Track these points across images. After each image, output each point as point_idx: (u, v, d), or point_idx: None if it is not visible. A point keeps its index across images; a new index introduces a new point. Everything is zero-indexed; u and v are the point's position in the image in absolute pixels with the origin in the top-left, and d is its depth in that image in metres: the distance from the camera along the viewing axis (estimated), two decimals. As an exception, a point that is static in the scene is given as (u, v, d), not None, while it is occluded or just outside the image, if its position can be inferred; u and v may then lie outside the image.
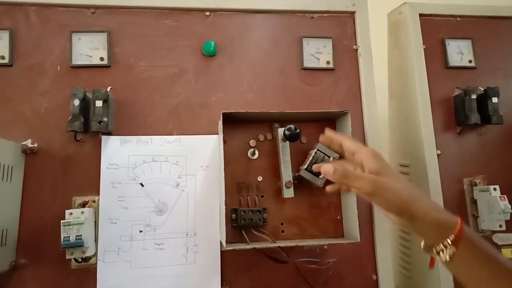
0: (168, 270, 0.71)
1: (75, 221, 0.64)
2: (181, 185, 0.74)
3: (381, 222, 0.78)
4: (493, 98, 0.82)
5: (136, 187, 0.72)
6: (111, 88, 0.74)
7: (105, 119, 0.69)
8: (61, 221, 0.63)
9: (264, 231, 0.72)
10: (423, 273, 0.86)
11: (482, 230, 0.80)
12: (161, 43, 0.79)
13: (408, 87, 0.88)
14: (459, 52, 0.89)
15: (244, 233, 0.71)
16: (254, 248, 0.70)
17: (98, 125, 0.68)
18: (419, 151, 0.84)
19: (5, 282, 0.66)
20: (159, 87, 0.78)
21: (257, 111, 0.71)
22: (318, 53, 0.84)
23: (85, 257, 0.68)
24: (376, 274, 0.77)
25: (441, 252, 0.48)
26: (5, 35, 0.74)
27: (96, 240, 0.69)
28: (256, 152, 0.76)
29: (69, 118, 0.68)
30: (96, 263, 0.69)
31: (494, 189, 0.77)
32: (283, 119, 0.75)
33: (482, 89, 0.83)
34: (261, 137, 0.76)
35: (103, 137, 0.73)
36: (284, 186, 0.71)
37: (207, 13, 0.82)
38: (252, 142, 0.76)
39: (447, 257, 0.47)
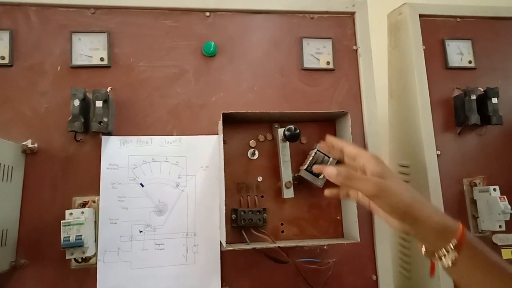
0: (168, 270, 0.71)
1: (75, 221, 0.64)
2: (181, 185, 0.74)
3: (381, 223, 0.78)
4: (492, 99, 0.82)
5: (136, 187, 0.73)
6: (111, 89, 0.74)
7: (105, 120, 0.69)
8: (61, 221, 0.63)
9: (264, 231, 0.72)
10: (423, 274, 0.86)
11: (481, 230, 0.80)
12: (161, 44, 0.79)
13: (408, 88, 0.89)
14: (459, 53, 0.89)
15: (244, 233, 0.71)
16: (254, 248, 0.70)
17: (98, 126, 0.69)
18: (419, 152, 0.84)
19: (5, 282, 0.67)
20: (159, 87, 0.78)
21: (257, 111, 0.71)
22: (318, 53, 0.84)
23: (85, 257, 0.68)
24: (376, 275, 0.77)
25: (443, 257, 0.48)
26: (5, 36, 0.74)
27: (96, 240, 0.69)
28: (256, 152, 0.76)
29: (69, 118, 0.68)
30: (96, 263, 0.69)
31: (494, 189, 0.77)
32: (283, 120, 0.75)
33: (482, 90, 0.83)
34: (261, 138, 0.76)
35: (103, 138, 0.73)
36: (284, 186, 0.71)
37: (207, 14, 0.82)
38: (252, 143, 0.76)
39: (450, 263, 0.47)
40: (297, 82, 0.82)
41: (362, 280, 0.76)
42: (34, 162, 0.71)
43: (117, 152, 0.73)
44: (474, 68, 0.89)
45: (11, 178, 0.67)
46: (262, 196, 0.75)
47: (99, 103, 0.69)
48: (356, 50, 0.85)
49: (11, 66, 0.74)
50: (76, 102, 0.68)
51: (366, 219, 0.78)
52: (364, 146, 0.81)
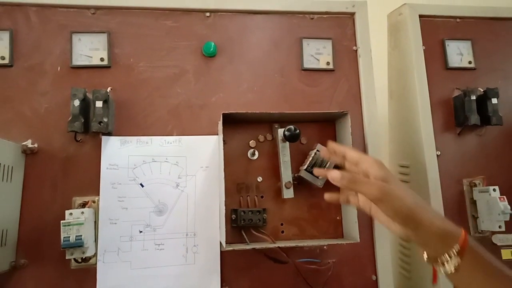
0: (168, 270, 0.71)
1: (75, 221, 0.64)
2: (181, 186, 0.74)
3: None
4: (492, 99, 0.82)
5: (136, 187, 0.73)
6: (111, 89, 0.74)
7: (105, 120, 0.69)
8: (61, 221, 0.64)
9: (264, 232, 0.72)
10: (423, 274, 0.86)
11: (481, 231, 0.80)
12: (161, 44, 0.79)
13: (408, 88, 0.89)
14: (459, 53, 0.89)
15: (244, 234, 0.71)
16: (254, 249, 0.70)
17: (98, 126, 0.69)
18: (419, 152, 0.84)
19: (5, 282, 0.67)
20: (159, 87, 0.78)
21: (257, 111, 0.71)
22: (318, 54, 0.84)
23: (85, 257, 0.68)
24: (376, 275, 0.77)
25: (445, 263, 0.47)
26: (5, 36, 0.74)
27: (96, 240, 0.69)
28: (256, 152, 0.76)
29: (69, 118, 0.68)
30: (96, 263, 0.69)
31: (494, 190, 0.77)
32: (283, 120, 0.75)
33: (482, 90, 0.83)
34: (261, 138, 0.76)
35: (103, 138, 0.73)
36: (284, 186, 0.71)
37: (207, 14, 0.82)
38: (252, 143, 0.76)
39: (452, 269, 0.47)
40: (297, 83, 0.82)
41: (362, 280, 0.76)
42: (34, 162, 0.71)
43: (117, 152, 0.73)
44: (474, 69, 0.89)
45: (11, 178, 0.67)
46: (262, 196, 0.75)
47: (99, 103, 0.69)
48: (356, 50, 0.85)
49: (11, 66, 0.74)
50: (76, 102, 0.68)
51: (366, 220, 0.77)
52: (364, 146, 0.81)
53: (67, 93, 0.71)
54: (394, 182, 0.51)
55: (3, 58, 0.74)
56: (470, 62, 0.89)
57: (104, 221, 0.70)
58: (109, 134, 0.73)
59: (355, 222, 0.69)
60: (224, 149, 0.69)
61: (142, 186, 0.73)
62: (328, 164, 0.72)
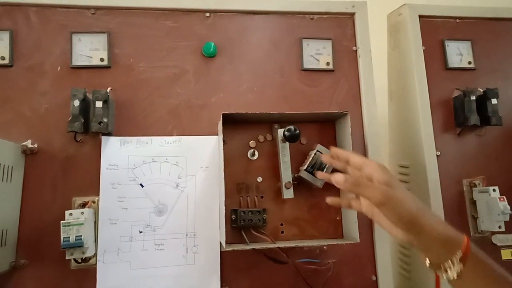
0: (168, 270, 0.71)
1: (75, 221, 0.64)
2: (181, 186, 0.74)
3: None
4: (492, 100, 0.82)
5: (136, 187, 0.73)
6: (111, 89, 0.74)
7: (105, 120, 0.69)
8: (61, 221, 0.64)
9: (264, 232, 0.72)
10: (423, 274, 0.86)
11: (481, 231, 0.80)
12: (161, 44, 0.80)
13: (408, 88, 0.89)
14: (459, 54, 0.90)
15: (244, 234, 0.71)
16: (253, 249, 0.70)
17: (98, 126, 0.69)
18: (419, 152, 0.84)
19: (5, 282, 0.67)
20: (159, 87, 0.78)
21: (257, 112, 0.71)
22: (318, 54, 0.84)
23: (85, 258, 0.68)
24: (376, 275, 0.77)
25: (448, 270, 0.47)
26: (5, 36, 0.74)
27: (96, 240, 0.69)
28: (256, 153, 0.76)
29: (69, 118, 0.68)
30: (95, 264, 0.69)
31: (494, 190, 0.77)
32: (282, 120, 0.75)
33: (482, 90, 0.83)
34: (261, 138, 0.76)
35: (103, 138, 0.73)
36: (283, 187, 0.71)
37: (207, 14, 0.82)
38: (252, 143, 0.76)
39: (455, 275, 0.47)
40: (297, 83, 0.82)
41: (361, 281, 0.76)
42: (34, 162, 0.71)
43: (117, 153, 0.73)
44: (474, 69, 0.89)
45: (11, 179, 0.67)
46: (262, 197, 0.75)
47: (99, 104, 0.69)
48: (356, 50, 0.85)
49: (11, 66, 0.74)
50: (76, 103, 0.68)
51: (366, 220, 0.77)
52: (364, 147, 0.81)
53: (67, 93, 0.71)
54: (397, 187, 0.51)
55: (3, 58, 0.74)
56: (470, 63, 0.89)
57: (104, 221, 0.70)
58: (109, 134, 0.73)
59: (355, 222, 0.69)
60: (224, 149, 0.69)
61: (142, 186, 0.73)
62: (328, 165, 0.72)
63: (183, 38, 0.80)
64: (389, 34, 0.98)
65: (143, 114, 0.76)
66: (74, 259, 0.68)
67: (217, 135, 0.77)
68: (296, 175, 0.74)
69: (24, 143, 0.71)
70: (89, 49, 0.77)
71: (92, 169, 0.72)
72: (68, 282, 0.69)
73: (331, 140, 0.79)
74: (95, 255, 0.69)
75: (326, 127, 0.79)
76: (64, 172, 0.72)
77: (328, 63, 0.83)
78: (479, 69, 0.89)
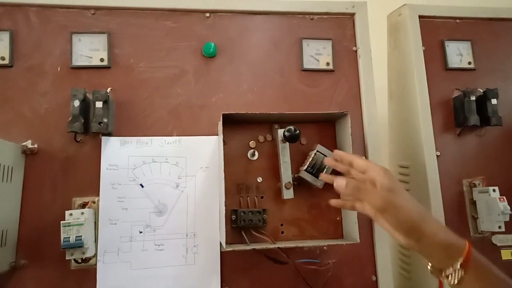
0: (168, 271, 0.71)
1: (75, 222, 0.64)
2: (181, 186, 0.74)
3: (382, 220, 0.77)
4: (492, 100, 0.82)
5: (136, 188, 0.73)
6: (111, 89, 0.74)
7: (105, 120, 0.69)
8: (61, 221, 0.64)
9: (264, 232, 0.72)
10: (423, 274, 0.86)
11: (481, 231, 0.80)
12: (161, 44, 0.80)
13: (408, 89, 0.89)
14: (459, 54, 0.90)
15: (244, 234, 0.71)
16: (253, 249, 0.70)
17: (98, 126, 0.69)
18: (419, 153, 0.84)
19: (5, 282, 0.66)
20: (159, 88, 0.78)
21: (257, 112, 0.71)
22: (318, 54, 0.84)
23: (85, 258, 0.68)
24: (376, 275, 0.77)
25: (449, 276, 0.48)
26: (6, 36, 0.74)
27: (96, 240, 0.69)
28: (256, 153, 0.76)
29: (69, 119, 0.68)
30: (96, 264, 0.69)
31: (494, 190, 0.77)
32: (282, 120, 0.75)
33: (482, 91, 0.83)
34: (261, 138, 0.76)
35: (103, 138, 0.73)
36: (283, 187, 0.71)
37: (207, 15, 0.82)
38: (252, 143, 0.76)
39: (456, 281, 0.47)
40: (297, 83, 0.82)
41: (361, 281, 0.76)
42: (34, 162, 0.71)
43: (117, 153, 0.73)
44: (474, 69, 0.89)
45: (11, 179, 0.67)
46: (262, 197, 0.75)
47: (99, 104, 0.69)
48: (356, 51, 0.85)
49: (11, 66, 0.74)
50: (76, 103, 0.68)
51: (366, 220, 0.77)
52: (363, 147, 0.81)
53: (67, 93, 0.71)
54: (400, 192, 0.51)
55: (3, 58, 0.74)
56: (469, 63, 0.89)
57: (104, 221, 0.70)
58: (109, 134, 0.73)
59: (355, 222, 0.69)
60: (224, 149, 0.69)
61: (142, 186, 0.73)
62: (327, 166, 0.71)
63: (183, 39, 0.80)
64: (389, 34, 0.98)
65: (143, 114, 0.76)
66: (74, 260, 0.68)
67: (217, 135, 0.77)
68: (296, 175, 0.74)
69: (24, 143, 0.71)
70: (89, 49, 0.77)
71: (92, 170, 0.72)
72: (68, 283, 0.69)
73: (331, 140, 0.79)
74: (95, 255, 0.69)
75: (326, 127, 0.79)
76: (64, 173, 0.72)
77: (328, 63, 0.84)
78: (479, 69, 0.89)
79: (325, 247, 0.76)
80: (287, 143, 0.73)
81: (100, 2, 0.78)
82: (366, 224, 0.77)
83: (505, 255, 0.81)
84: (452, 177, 0.83)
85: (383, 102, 1.01)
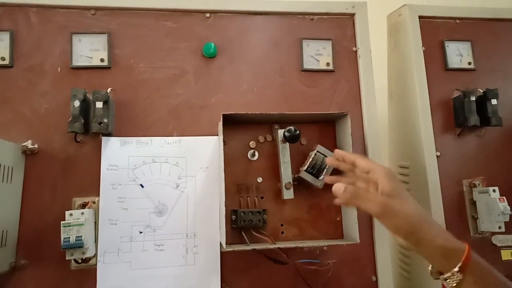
0: (168, 271, 0.71)
1: (75, 222, 0.64)
2: (181, 186, 0.74)
3: (381, 223, 0.78)
4: (492, 100, 0.82)
5: (136, 188, 0.73)
6: (111, 89, 0.74)
7: (105, 120, 0.69)
8: (61, 222, 0.64)
9: (264, 232, 0.72)
10: (423, 274, 0.86)
11: (481, 231, 0.80)
12: (161, 45, 0.80)
13: (408, 89, 0.89)
14: (459, 54, 0.90)
15: (244, 234, 0.71)
16: (254, 249, 0.70)
17: (98, 126, 0.69)
18: (419, 153, 0.84)
19: (5, 283, 0.66)
20: (159, 88, 0.78)
21: (257, 112, 0.71)
22: (318, 54, 0.84)
23: (85, 258, 0.68)
24: (376, 275, 0.77)
25: (448, 279, 0.48)
26: (6, 36, 0.74)
27: (96, 241, 0.69)
28: (256, 153, 0.76)
29: (69, 119, 0.68)
30: (96, 264, 0.69)
31: (494, 190, 0.77)
32: (283, 121, 0.75)
33: (482, 91, 0.83)
34: (261, 139, 0.76)
35: (103, 138, 0.73)
36: (284, 187, 0.72)
37: (207, 15, 0.82)
38: (252, 144, 0.76)
39: (454, 284, 0.47)
40: (297, 83, 0.82)
41: (361, 281, 0.76)
42: (34, 162, 0.71)
43: (117, 153, 0.73)
44: (474, 70, 0.89)
45: (11, 179, 0.67)
46: (262, 197, 0.75)
47: (99, 104, 0.69)
48: (356, 51, 0.85)
49: (12, 67, 0.74)
50: (76, 103, 0.68)
51: (366, 220, 0.78)
52: (364, 147, 0.81)
53: (67, 93, 0.71)
54: (400, 196, 0.51)
55: (3, 58, 0.74)
56: (469, 63, 0.89)
57: (104, 221, 0.70)
58: (109, 134, 0.73)
59: (355, 222, 0.69)
60: (224, 149, 0.69)
61: (142, 186, 0.73)
62: (328, 166, 0.72)
63: (183, 39, 0.80)
64: (389, 35, 0.98)
65: (143, 114, 0.77)
66: (74, 260, 0.68)
67: (217, 135, 0.77)
68: (296, 175, 0.74)
69: (24, 144, 0.71)
70: (89, 50, 0.77)
71: (92, 170, 0.72)
72: (68, 283, 0.69)
73: (331, 141, 0.79)
74: (95, 255, 0.69)
75: (326, 127, 0.79)
76: (64, 173, 0.72)
77: (328, 64, 0.84)
78: (479, 70, 0.89)
79: (325, 247, 0.76)
80: (287, 143, 0.73)
81: (100, 3, 0.78)
82: (366, 224, 0.77)
83: (505, 255, 0.81)
84: (452, 177, 0.83)
85: (383, 102, 1.01)
